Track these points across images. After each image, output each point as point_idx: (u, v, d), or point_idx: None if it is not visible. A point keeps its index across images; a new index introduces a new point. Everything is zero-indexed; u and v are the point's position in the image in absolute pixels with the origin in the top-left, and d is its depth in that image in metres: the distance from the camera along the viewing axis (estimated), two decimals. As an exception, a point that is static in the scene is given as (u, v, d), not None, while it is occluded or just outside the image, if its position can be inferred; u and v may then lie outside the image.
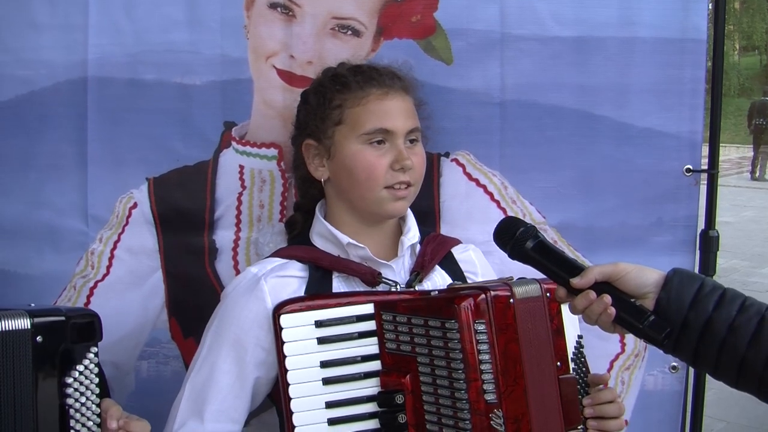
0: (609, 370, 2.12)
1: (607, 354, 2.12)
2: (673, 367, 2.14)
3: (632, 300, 1.43)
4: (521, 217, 2.06)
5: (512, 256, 1.55)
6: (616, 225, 2.09)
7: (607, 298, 1.42)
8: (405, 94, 1.76)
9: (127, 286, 2.06)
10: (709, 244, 2.10)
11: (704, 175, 2.13)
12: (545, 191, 2.07)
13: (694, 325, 1.39)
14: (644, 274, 1.44)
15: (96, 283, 2.06)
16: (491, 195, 2.06)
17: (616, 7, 2.04)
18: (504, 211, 2.06)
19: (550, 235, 2.08)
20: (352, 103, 1.71)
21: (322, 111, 1.74)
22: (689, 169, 2.07)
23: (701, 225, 2.14)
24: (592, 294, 1.44)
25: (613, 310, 1.42)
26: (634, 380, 2.14)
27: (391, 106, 1.72)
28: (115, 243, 2.06)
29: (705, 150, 2.13)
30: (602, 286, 1.45)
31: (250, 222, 2.04)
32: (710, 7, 2.11)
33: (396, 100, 1.73)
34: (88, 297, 2.05)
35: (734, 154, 20.39)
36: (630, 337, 2.12)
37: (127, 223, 2.05)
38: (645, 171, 2.08)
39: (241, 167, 2.04)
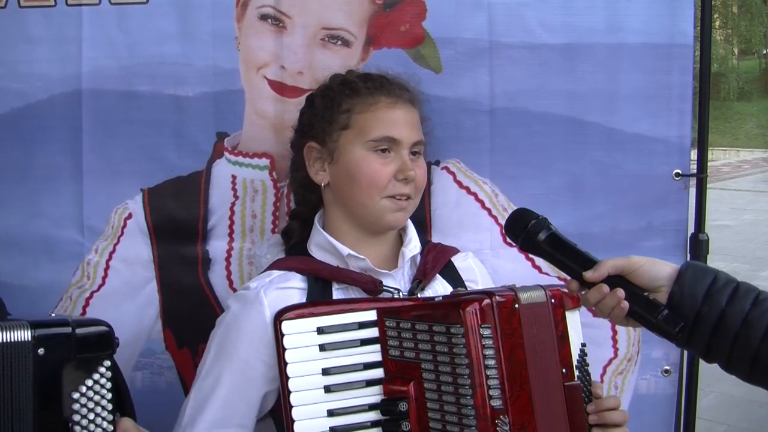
0: (602, 375, 2.13)
1: (600, 359, 2.12)
2: (666, 371, 2.15)
3: (645, 294, 1.43)
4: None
5: (524, 247, 1.56)
6: (607, 230, 2.10)
7: (621, 292, 1.43)
8: (412, 106, 1.77)
9: (122, 297, 2.07)
10: (699, 247, 2.11)
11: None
12: (536, 198, 2.07)
13: (708, 318, 1.39)
14: (657, 268, 1.45)
15: (92, 293, 2.07)
16: (482, 203, 2.07)
17: (603, 13, 2.05)
18: (495, 218, 2.07)
19: (542, 241, 2.09)
20: (361, 108, 1.72)
21: (330, 114, 1.74)
22: (678, 173, 2.08)
23: (692, 229, 2.15)
24: (605, 287, 1.44)
25: (626, 304, 1.42)
26: (627, 384, 2.15)
27: (399, 116, 1.72)
28: (111, 254, 2.07)
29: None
30: (615, 280, 1.45)
31: (242, 232, 2.06)
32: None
33: (403, 111, 1.74)
34: (84, 308, 2.07)
35: (734, 158, 20.41)
36: (622, 342, 2.14)
37: (122, 233, 2.07)
38: (635, 176, 2.09)
39: (234, 177, 2.05)
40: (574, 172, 2.09)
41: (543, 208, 2.05)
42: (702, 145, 2.14)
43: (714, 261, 2.13)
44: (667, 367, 2.14)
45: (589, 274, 1.46)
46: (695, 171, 2.12)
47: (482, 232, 2.08)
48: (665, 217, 2.11)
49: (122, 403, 1.56)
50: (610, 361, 2.14)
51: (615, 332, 2.12)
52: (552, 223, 1.56)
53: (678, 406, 2.18)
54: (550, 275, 2.09)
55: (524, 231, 1.54)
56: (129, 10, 2.02)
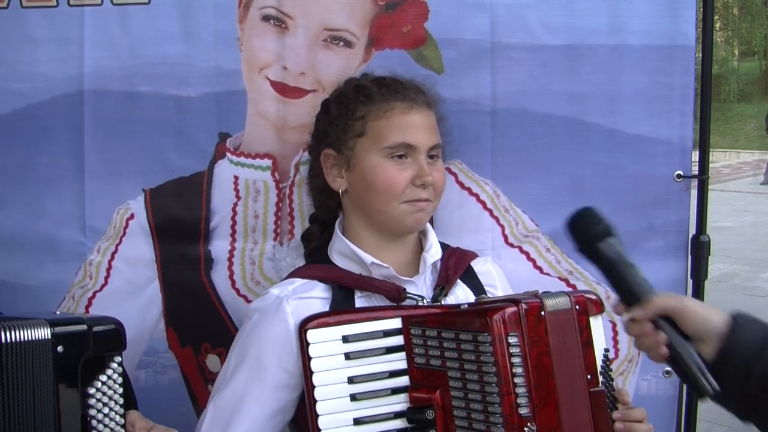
0: (603, 375, 2.13)
1: (601, 359, 2.12)
2: (667, 372, 2.15)
3: (690, 342, 1.38)
4: (514, 225, 2.08)
5: (581, 249, 1.51)
6: (608, 231, 2.10)
7: (662, 337, 1.38)
8: (428, 109, 1.76)
9: (124, 297, 2.08)
10: (700, 248, 2.11)
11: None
12: (537, 199, 2.08)
13: (759, 375, 1.33)
14: (709, 317, 1.39)
15: (94, 293, 2.08)
16: (484, 203, 2.08)
17: (605, 15, 2.05)
18: (496, 219, 2.08)
19: (543, 243, 2.10)
20: (376, 115, 1.71)
21: (344, 121, 1.73)
22: (680, 174, 2.09)
23: (693, 230, 2.15)
24: (649, 326, 1.40)
25: (665, 351, 1.38)
26: (628, 385, 2.15)
27: (414, 121, 1.72)
28: (113, 254, 2.08)
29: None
30: (661, 320, 1.40)
31: (245, 232, 2.06)
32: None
33: (419, 115, 1.73)
34: (87, 307, 2.07)
35: (734, 159, 20.41)
36: (623, 343, 2.14)
37: (124, 233, 2.07)
38: (636, 177, 2.09)
39: (236, 178, 2.05)
40: (576, 173, 2.09)
41: (544, 209, 2.09)
42: (703, 146, 2.14)
43: (714, 262, 2.14)
44: (668, 369, 2.14)
45: (637, 313, 1.41)
46: (696, 172, 2.12)
47: (484, 232, 2.08)
48: (666, 219, 2.11)
49: (127, 396, 1.58)
50: (611, 361, 2.13)
51: (616, 333, 2.12)
52: (618, 235, 1.48)
53: (679, 407, 2.18)
54: (552, 276, 2.09)
55: (589, 233, 1.47)
56: (131, 10, 2.02)
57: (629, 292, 1.44)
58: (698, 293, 2.14)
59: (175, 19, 2.02)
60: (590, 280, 2.09)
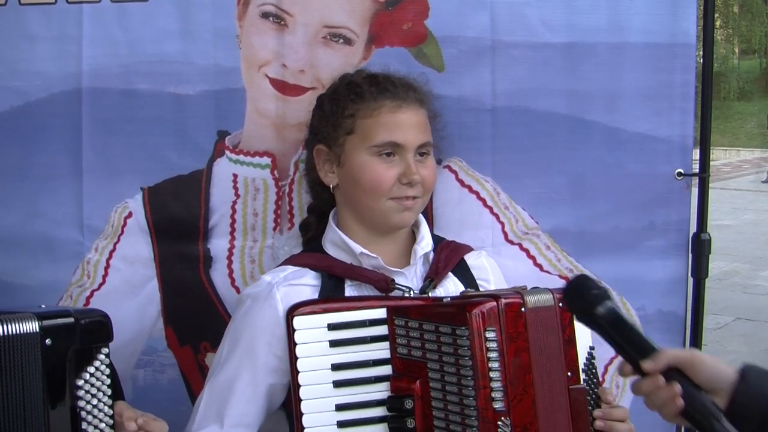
0: (603, 375, 2.12)
1: (601, 358, 2.10)
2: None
3: (704, 393, 1.32)
4: (514, 223, 2.08)
5: (579, 318, 1.45)
6: (609, 229, 2.10)
7: (677, 387, 1.31)
8: (419, 107, 1.77)
9: (122, 295, 2.07)
10: (701, 247, 2.11)
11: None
12: (537, 197, 2.08)
13: None
14: (720, 368, 1.35)
15: (92, 292, 2.07)
16: (484, 201, 2.07)
17: (606, 12, 2.05)
18: (496, 216, 2.07)
19: (543, 240, 2.09)
20: (365, 113, 1.72)
21: (335, 119, 1.75)
22: (680, 172, 2.08)
23: (693, 228, 2.14)
24: (661, 379, 1.33)
25: (681, 402, 1.31)
26: (628, 384, 2.14)
27: (403, 120, 1.73)
28: (111, 252, 2.07)
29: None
30: (673, 373, 1.33)
31: (244, 230, 2.05)
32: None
33: (409, 113, 1.74)
34: (84, 306, 2.06)
35: (735, 157, 20.42)
36: (624, 341, 2.13)
37: (122, 232, 2.06)
38: (637, 175, 2.09)
39: (235, 176, 2.04)
40: (576, 171, 2.09)
41: (544, 207, 2.08)
42: (704, 144, 2.13)
43: (715, 261, 2.13)
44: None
45: (647, 366, 1.34)
46: (697, 170, 2.11)
47: (483, 229, 2.08)
48: (667, 217, 2.11)
49: (115, 387, 1.60)
50: (611, 361, 2.13)
51: (617, 332, 2.12)
52: (613, 298, 1.42)
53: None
54: (551, 273, 2.09)
55: (583, 301, 1.41)
56: (129, 8, 2.01)
57: (637, 349, 1.37)
58: (698, 291, 2.13)
59: (173, 17, 2.01)
60: (591, 279, 2.09)
